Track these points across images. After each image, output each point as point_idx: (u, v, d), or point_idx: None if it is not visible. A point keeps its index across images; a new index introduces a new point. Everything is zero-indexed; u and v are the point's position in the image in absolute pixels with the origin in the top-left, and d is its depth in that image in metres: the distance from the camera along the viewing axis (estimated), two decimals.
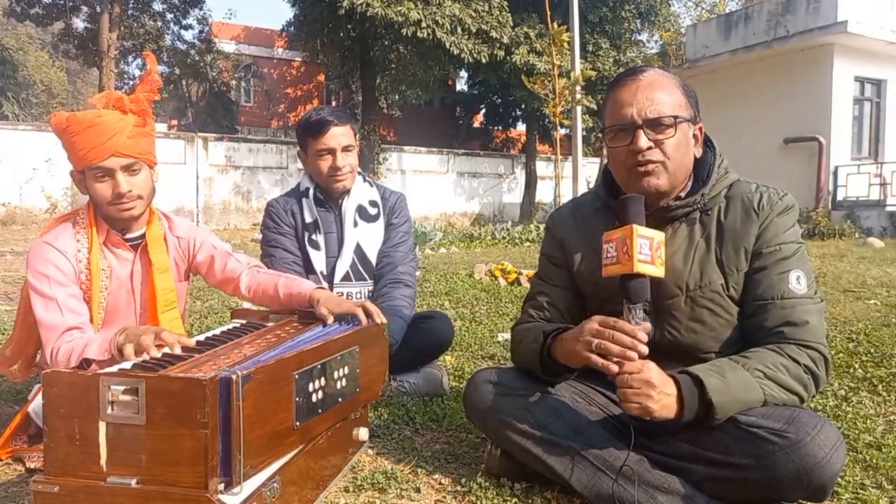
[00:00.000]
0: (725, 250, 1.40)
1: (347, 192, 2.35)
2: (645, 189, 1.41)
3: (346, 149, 2.28)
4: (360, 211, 2.38)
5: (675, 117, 1.37)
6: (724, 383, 1.25)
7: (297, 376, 1.27)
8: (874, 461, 1.58)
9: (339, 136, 2.27)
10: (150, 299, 1.78)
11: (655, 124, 1.37)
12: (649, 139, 1.37)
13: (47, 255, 1.64)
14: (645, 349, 1.25)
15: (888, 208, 11.52)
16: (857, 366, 2.47)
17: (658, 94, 1.38)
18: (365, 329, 1.58)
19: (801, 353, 1.30)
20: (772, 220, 1.39)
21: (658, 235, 1.31)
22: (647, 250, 1.29)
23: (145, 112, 1.69)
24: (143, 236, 1.78)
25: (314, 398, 1.33)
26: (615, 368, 1.24)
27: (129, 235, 1.76)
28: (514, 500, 1.41)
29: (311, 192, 2.35)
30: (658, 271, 1.30)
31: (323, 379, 1.37)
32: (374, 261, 2.35)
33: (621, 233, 1.30)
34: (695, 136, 1.44)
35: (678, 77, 1.45)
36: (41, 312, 1.60)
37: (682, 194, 1.45)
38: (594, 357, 1.25)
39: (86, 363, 1.47)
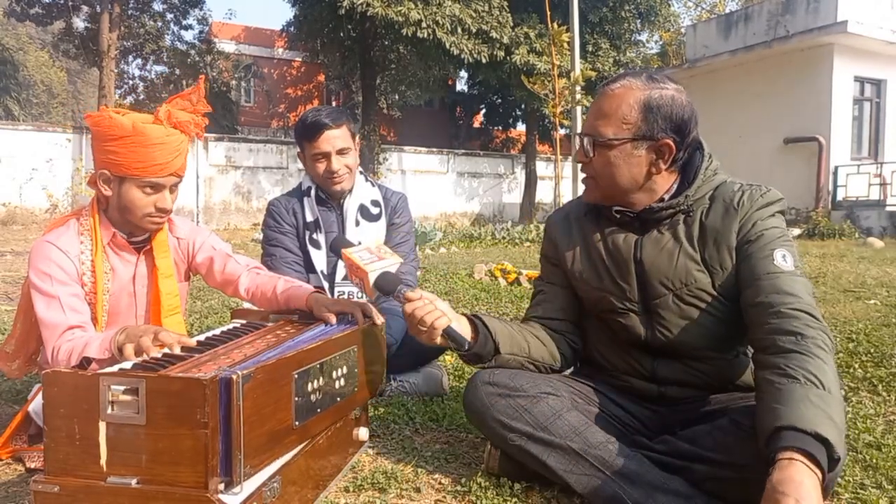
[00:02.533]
0: (708, 249, 1.41)
1: (347, 192, 2.36)
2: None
3: (341, 152, 2.28)
4: (362, 210, 2.38)
5: (595, 140, 1.41)
6: (835, 424, 1.09)
7: (296, 376, 1.27)
8: (874, 461, 1.58)
9: (334, 139, 2.26)
10: (153, 303, 1.79)
11: (588, 141, 1.44)
12: (583, 153, 1.45)
13: (50, 255, 1.64)
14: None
15: (888, 208, 11.52)
16: (857, 366, 2.47)
17: (603, 111, 1.41)
18: (363, 329, 1.58)
19: (808, 329, 1.22)
20: (751, 214, 1.39)
21: (368, 245, 1.63)
22: (368, 255, 1.59)
23: (200, 136, 1.74)
24: (147, 240, 1.78)
25: (313, 398, 1.34)
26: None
27: (134, 239, 1.76)
28: (514, 500, 1.41)
29: (313, 191, 2.36)
30: (395, 258, 1.61)
31: (322, 378, 1.37)
32: None
33: (347, 265, 1.61)
34: (658, 151, 1.40)
35: (649, 90, 1.39)
36: (43, 311, 1.60)
37: (666, 196, 1.45)
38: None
39: (86, 362, 1.47)
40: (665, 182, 1.45)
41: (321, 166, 2.28)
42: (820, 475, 1.03)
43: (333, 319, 1.62)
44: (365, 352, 1.57)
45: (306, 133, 2.28)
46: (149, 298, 1.80)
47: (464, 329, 1.47)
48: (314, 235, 2.33)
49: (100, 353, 1.47)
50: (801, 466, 1.02)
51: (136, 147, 1.60)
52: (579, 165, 1.53)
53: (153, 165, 1.61)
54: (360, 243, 1.69)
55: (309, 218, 2.35)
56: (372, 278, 1.54)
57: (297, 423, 1.28)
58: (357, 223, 2.35)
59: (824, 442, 1.06)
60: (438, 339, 1.43)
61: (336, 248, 1.69)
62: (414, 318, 1.42)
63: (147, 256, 1.79)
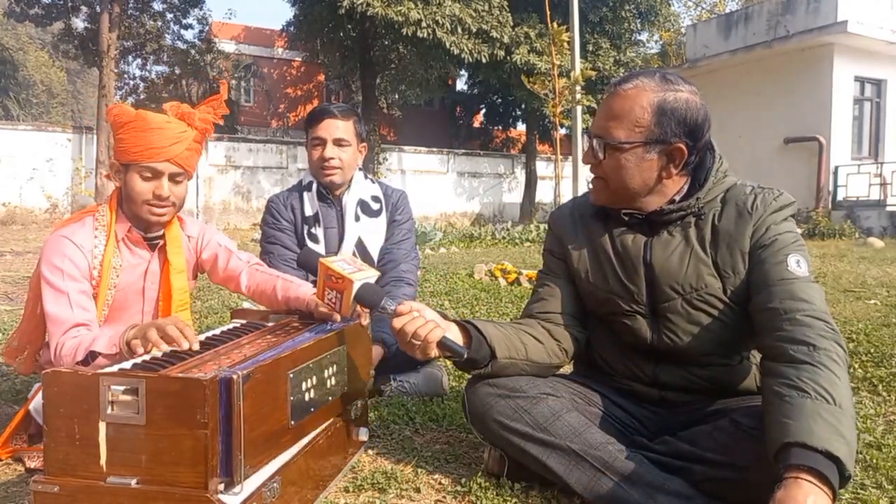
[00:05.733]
0: (721, 253, 1.39)
1: (345, 187, 2.36)
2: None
3: (337, 142, 2.30)
4: (362, 205, 2.38)
5: (605, 142, 1.39)
6: (846, 441, 1.07)
7: (291, 375, 1.27)
8: (874, 461, 1.58)
9: (333, 128, 2.29)
10: (164, 299, 1.81)
11: (598, 143, 1.41)
12: (593, 154, 1.43)
13: (64, 249, 1.65)
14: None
15: (888, 208, 11.52)
16: (857, 366, 2.47)
17: (615, 113, 1.38)
18: (350, 328, 1.59)
19: (822, 340, 1.19)
20: (764, 218, 1.37)
21: (343, 255, 1.55)
22: (348, 265, 1.51)
23: (207, 132, 1.77)
24: (162, 236, 1.80)
25: (307, 397, 1.34)
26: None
27: (149, 234, 1.78)
28: (514, 500, 1.41)
29: (314, 186, 2.37)
30: (372, 272, 1.53)
31: (315, 378, 1.37)
32: (375, 256, 2.36)
33: (322, 276, 1.50)
34: (669, 155, 1.38)
35: (663, 92, 1.35)
36: (51, 305, 1.61)
37: (677, 198, 1.43)
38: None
39: (91, 357, 1.48)
40: (675, 185, 1.42)
41: (316, 153, 2.31)
42: (830, 494, 1.01)
43: (338, 318, 1.63)
44: (352, 351, 1.58)
45: (311, 118, 2.33)
46: (159, 295, 1.82)
47: (456, 336, 1.42)
48: (312, 230, 2.34)
49: (108, 349, 1.47)
50: (806, 486, 1.01)
51: (136, 132, 1.65)
52: (582, 165, 1.52)
53: (149, 149, 1.65)
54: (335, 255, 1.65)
55: (308, 212, 2.35)
56: (356, 288, 1.46)
57: (292, 422, 1.28)
58: (357, 218, 2.35)
59: (835, 460, 1.04)
60: (434, 352, 1.37)
61: (306, 262, 1.66)
62: (405, 334, 1.35)
63: (161, 253, 1.81)
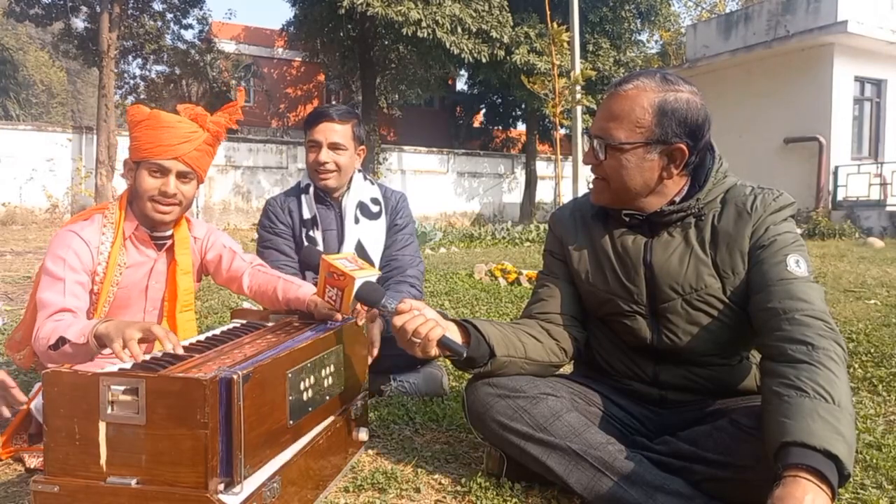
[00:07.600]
0: (720, 254, 1.39)
1: (335, 190, 2.35)
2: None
3: (333, 146, 2.28)
4: (362, 208, 2.37)
5: (606, 143, 1.39)
6: (844, 440, 1.07)
7: (289, 375, 1.27)
8: (874, 461, 1.58)
9: (329, 131, 2.27)
10: (170, 299, 1.82)
11: (599, 143, 1.41)
12: (594, 155, 1.43)
13: (70, 242, 1.69)
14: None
15: (888, 208, 11.51)
16: (857, 366, 2.47)
17: (615, 113, 1.38)
18: (346, 328, 1.59)
19: (820, 339, 1.19)
20: (764, 218, 1.38)
21: (346, 254, 1.57)
22: (349, 263, 1.54)
23: (219, 135, 1.79)
24: (170, 237, 1.82)
25: (305, 396, 1.35)
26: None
27: (156, 234, 1.80)
28: (514, 500, 1.41)
29: (312, 188, 2.36)
30: (373, 272, 1.57)
31: (312, 377, 1.38)
32: (375, 258, 2.35)
33: (323, 272, 1.53)
34: (670, 155, 1.38)
35: (664, 93, 1.35)
36: (43, 292, 1.63)
37: (677, 199, 1.43)
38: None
39: (61, 342, 1.48)
40: (676, 185, 1.42)
41: (312, 156, 2.30)
42: (829, 492, 1.01)
43: (339, 317, 1.63)
44: (349, 350, 1.59)
45: (308, 120, 2.32)
46: (163, 295, 1.83)
47: (455, 336, 1.42)
48: (311, 233, 2.33)
49: (77, 338, 1.47)
50: (805, 484, 1.00)
51: (148, 130, 1.69)
52: (582, 165, 1.53)
53: (159, 146, 1.68)
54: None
55: (306, 215, 2.34)
56: (357, 286, 1.47)
57: (291, 421, 1.28)
58: (357, 220, 2.35)
59: (834, 458, 1.03)
60: (434, 351, 1.37)
61: (308, 259, 1.67)
62: (406, 332, 1.35)
63: (168, 253, 1.83)
